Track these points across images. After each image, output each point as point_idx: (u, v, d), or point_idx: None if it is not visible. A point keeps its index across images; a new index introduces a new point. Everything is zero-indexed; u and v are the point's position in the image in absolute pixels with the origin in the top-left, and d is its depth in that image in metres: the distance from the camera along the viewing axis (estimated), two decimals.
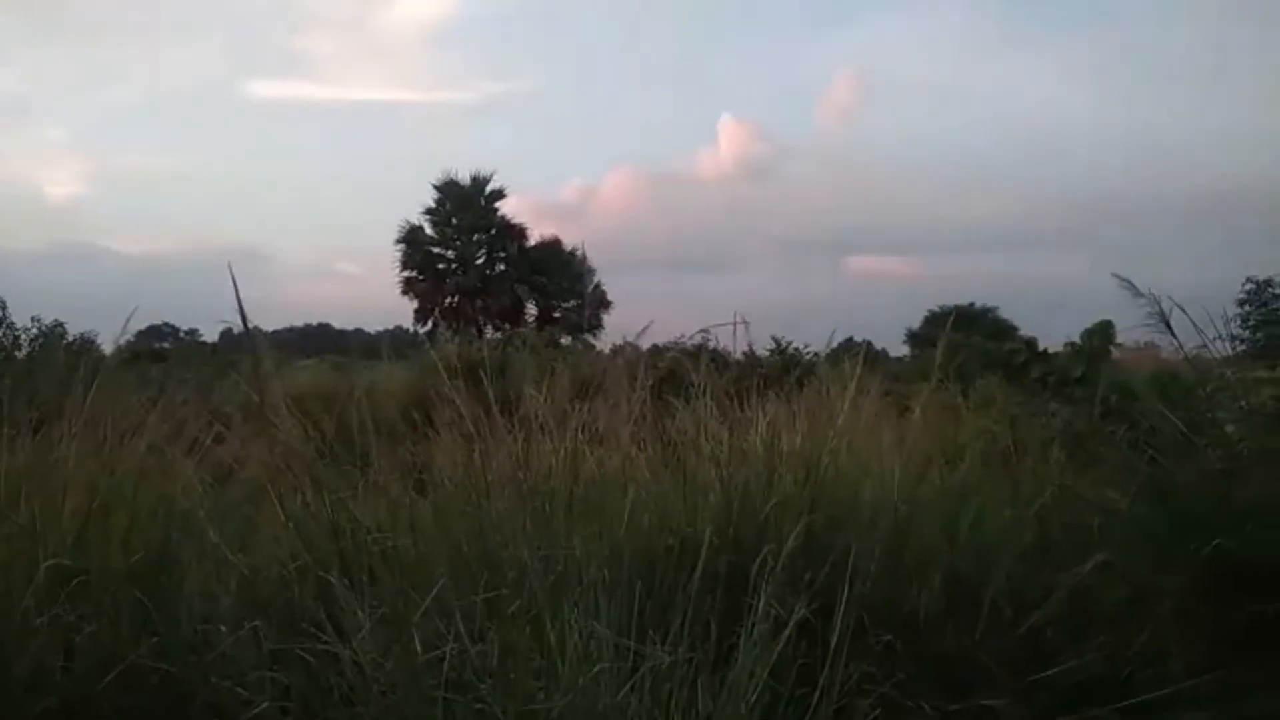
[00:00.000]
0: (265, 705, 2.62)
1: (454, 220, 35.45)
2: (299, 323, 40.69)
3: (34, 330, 13.25)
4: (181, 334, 27.88)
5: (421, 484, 3.54)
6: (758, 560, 2.79)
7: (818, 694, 2.53)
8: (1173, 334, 4.56)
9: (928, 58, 50.73)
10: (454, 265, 35.62)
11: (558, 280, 35.77)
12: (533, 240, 36.36)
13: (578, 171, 61.93)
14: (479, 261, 35.64)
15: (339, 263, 55.83)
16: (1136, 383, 5.91)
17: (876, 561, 3.27)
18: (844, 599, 2.68)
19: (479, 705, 2.43)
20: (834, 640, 2.56)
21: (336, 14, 52.81)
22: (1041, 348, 10.74)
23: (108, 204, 48.69)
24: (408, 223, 35.29)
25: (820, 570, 3.03)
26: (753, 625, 2.59)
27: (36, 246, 44.92)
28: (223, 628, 2.91)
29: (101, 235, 57.11)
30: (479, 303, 34.94)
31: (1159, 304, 4.49)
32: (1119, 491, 4.32)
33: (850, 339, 8.07)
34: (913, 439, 3.94)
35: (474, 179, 35.61)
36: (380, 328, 34.45)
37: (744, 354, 7.17)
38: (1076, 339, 9.53)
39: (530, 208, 49.91)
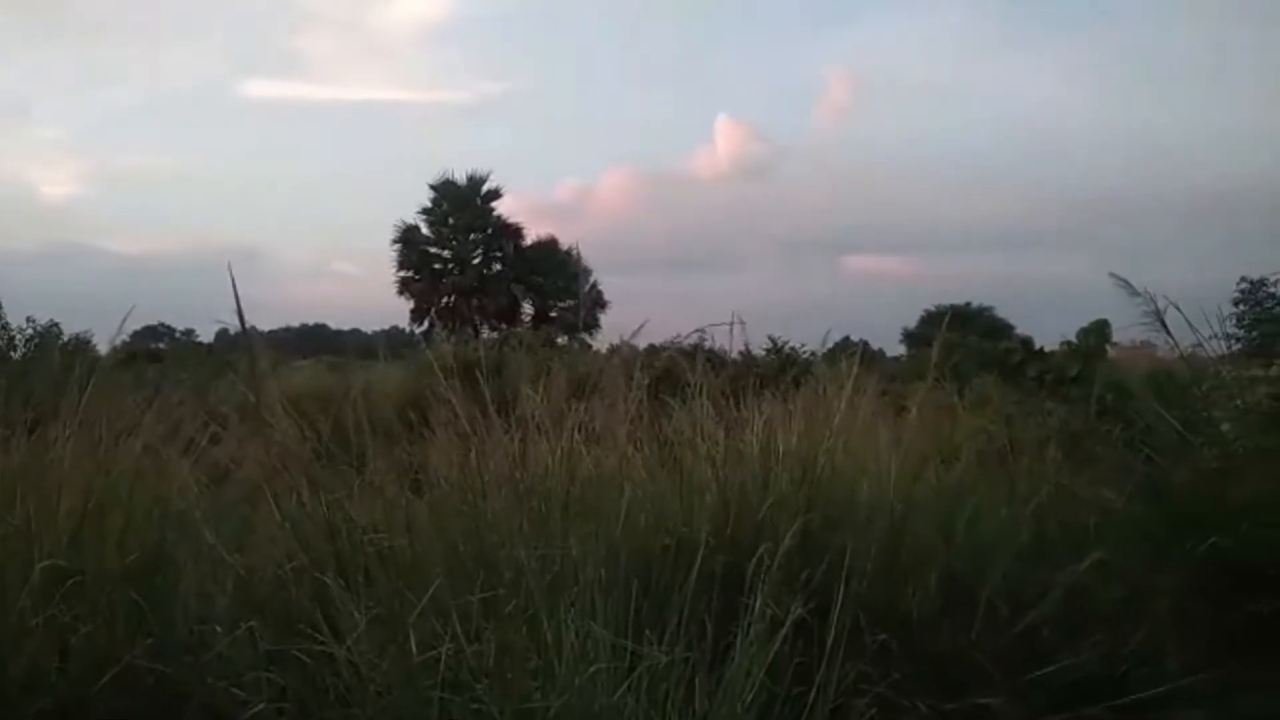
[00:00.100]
0: (261, 706, 2.62)
1: (450, 220, 35.46)
2: (295, 323, 40.66)
3: (29, 330, 13.18)
4: (177, 334, 27.82)
5: (417, 484, 3.54)
6: (754, 560, 2.79)
7: (814, 693, 2.53)
8: (1168, 333, 4.57)
9: (928, 58, 50.71)
10: (450, 265, 35.62)
11: (554, 280, 35.78)
12: (529, 240, 36.44)
13: (574, 171, 61.76)
14: (475, 261, 35.64)
15: (336, 262, 55.67)
16: (1132, 382, 5.93)
17: (873, 561, 3.27)
18: (840, 598, 2.69)
19: (475, 705, 2.43)
20: (830, 639, 2.56)
21: (334, 14, 52.69)
22: (1038, 347, 10.74)
23: (103, 204, 48.63)
24: (404, 223, 35.36)
25: (816, 570, 3.04)
26: (749, 625, 2.59)
27: (32, 246, 44.73)
28: (218, 628, 2.91)
29: (97, 235, 57.02)
30: (475, 302, 34.93)
31: (1155, 303, 4.51)
32: (1115, 490, 4.33)
33: (847, 338, 8.07)
34: (909, 438, 3.94)
35: (470, 179, 35.65)
36: (377, 328, 34.51)
37: (740, 353, 7.18)
38: (1072, 338, 9.53)
39: (527, 207, 49.97)
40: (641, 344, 5.16)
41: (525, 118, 52.46)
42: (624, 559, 2.96)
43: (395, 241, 35.22)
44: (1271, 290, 9.33)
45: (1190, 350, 4.62)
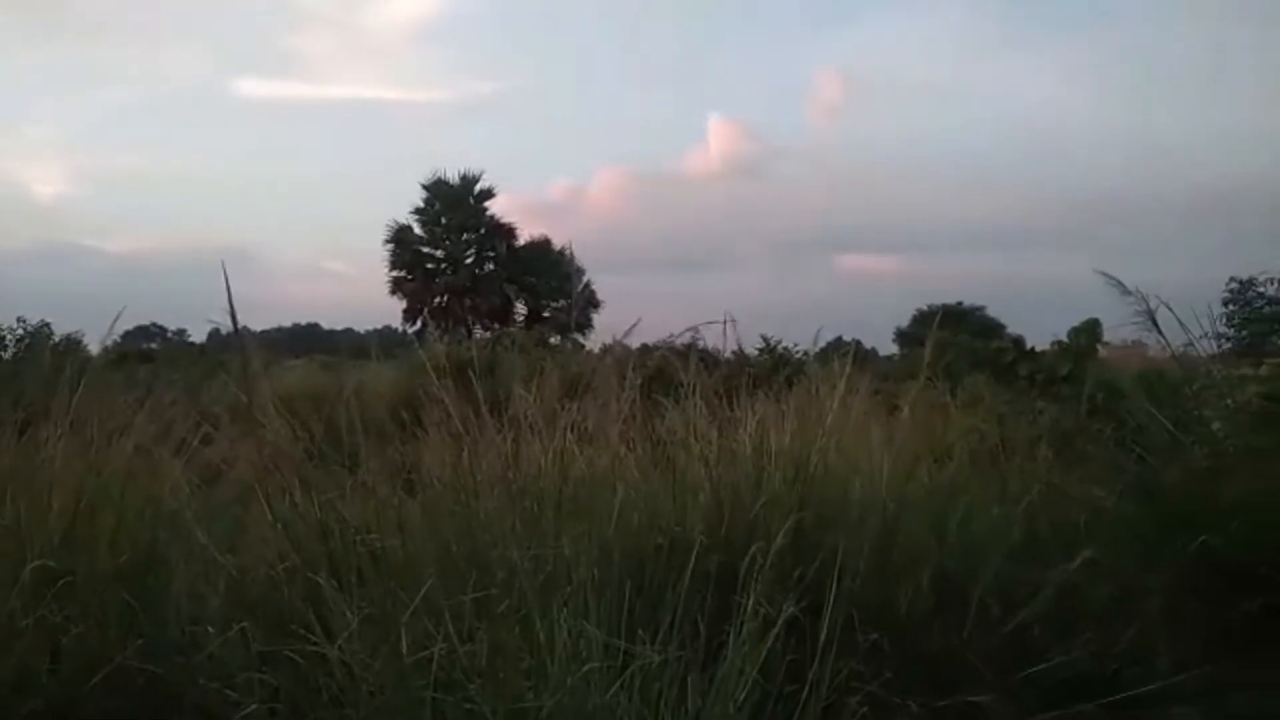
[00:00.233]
0: (254, 707, 2.61)
1: (443, 220, 35.40)
2: (288, 322, 40.55)
3: (20, 330, 13.12)
4: (169, 334, 27.78)
5: (410, 484, 3.53)
6: (747, 559, 2.79)
7: (806, 691, 2.53)
8: (1159, 332, 4.59)
9: (927, 57, 50.81)
10: (443, 265, 35.58)
11: (547, 280, 35.77)
12: (522, 240, 36.41)
13: (567, 171, 61.96)
14: (468, 261, 35.60)
15: (328, 262, 55.63)
16: (1123, 381, 5.94)
17: (865, 560, 3.28)
18: (832, 597, 2.69)
19: (468, 705, 2.43)
20: (822, 638, 2.57)
21: (328, 13, 52.48)
22: (1029, 346, 10.76)
23: (95, 203, 48.55)
24: (397, 222, 35.30)
25: (809, 568, 3.04)
26: (742, 624, 2.59)
27: (23, 245, 44.54)
28: (210, 629, 2.90)
29: (89, 235, 56.77)
30: (468, 302, 34.88)
31: (1146, 302, 4.53)
32: (1106, 489, 4.34)
33: (839, 338, 8.07)
34: (901, 437, 3.94)
35: (463, 178, 35.61)
36: (369, 327, 34.31)
37: (733, 353, 7.17)
38: (1064, 337, 9.54)
39: (519, 207, 49.83)
40: (634, 343, 5.15)
41: (518, 117, 52.53)
42: (617, 558, 2.96)
43: (388, 241, 35.25)
44: (1261, 290, 9.38)
45: (1181, 350, 4.64)
